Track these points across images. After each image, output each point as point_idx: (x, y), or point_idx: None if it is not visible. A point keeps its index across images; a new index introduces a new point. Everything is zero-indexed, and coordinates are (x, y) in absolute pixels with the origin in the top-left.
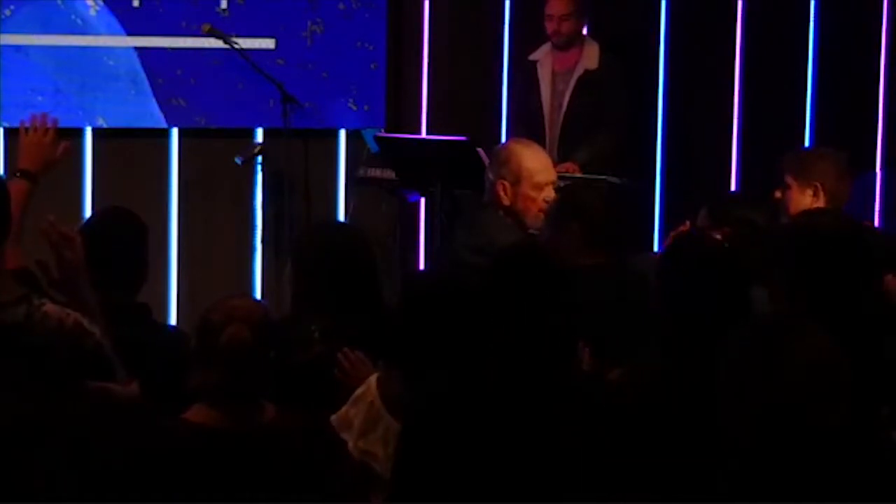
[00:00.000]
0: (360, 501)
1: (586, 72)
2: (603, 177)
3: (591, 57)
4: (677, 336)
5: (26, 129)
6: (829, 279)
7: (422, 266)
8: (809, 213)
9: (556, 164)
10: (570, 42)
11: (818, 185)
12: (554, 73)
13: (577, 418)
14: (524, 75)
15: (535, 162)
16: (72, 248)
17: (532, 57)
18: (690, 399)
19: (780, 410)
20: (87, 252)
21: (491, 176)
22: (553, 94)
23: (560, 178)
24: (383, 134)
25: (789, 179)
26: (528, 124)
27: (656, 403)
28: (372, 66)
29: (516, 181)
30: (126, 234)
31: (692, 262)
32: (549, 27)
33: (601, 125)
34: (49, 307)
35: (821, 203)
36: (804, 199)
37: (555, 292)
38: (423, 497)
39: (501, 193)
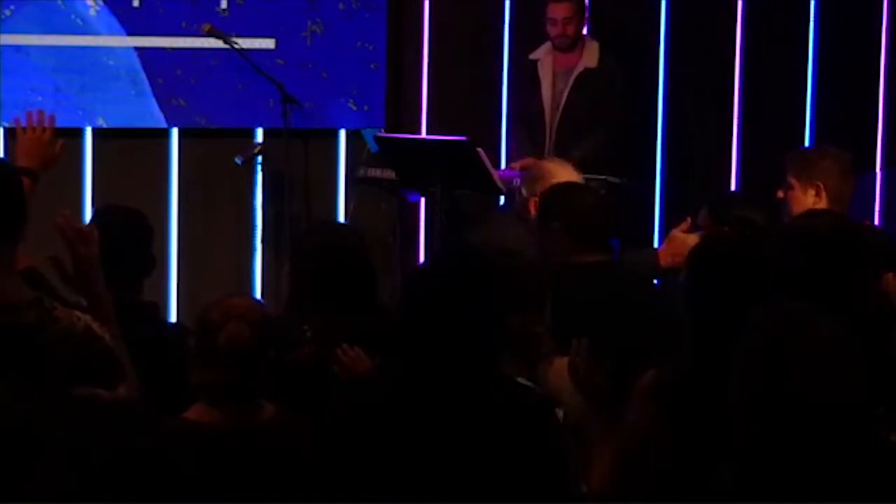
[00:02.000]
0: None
1: (586, 70)
2: (603, 177)
3: (591, 56)
4: (706, 338)
5: (23, 128)
6: (830, 279)
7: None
8: (809, 214)
9: None
10: (575, 43)
11: (820, 184)
12: (555, 73)
13: (499, 421)
14: (525, 75)
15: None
16: (87, 244)
17: (532, 56)
18: (718, 401)
19: (791, 401)
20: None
21: (524, 192)
22: (553, 94)
23: None
24: (383, 134)
25: (792, 179)
26: (529, 124)
27: (681, 405)
28: (372, 66)
29: None
30: (133, 232)
31: (726, 263)
32: (554, 31)
33: (597, 125)
34: (59, 311)
35: (823, 203)
36: (806, 199)
37: (483, 292)
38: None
39: (533, 210)
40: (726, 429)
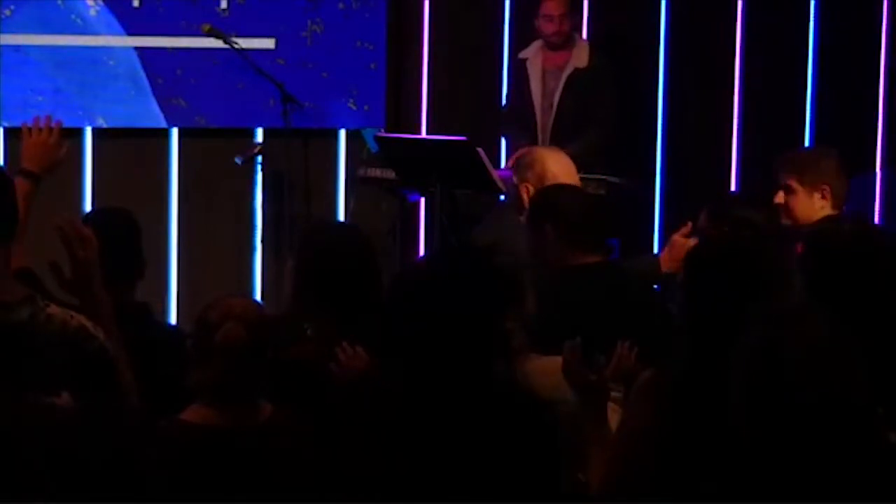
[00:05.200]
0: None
1: (576, 70)
2: (603, 177)
3: (580, 56)
4: (704, 339)
5: (29, 130)
6: (854, 285)
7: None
8: (831, 219)
9: None
10: (568, 40)
11: (826, 187)
12: (544, 71)
13: (500, 419)
14: (514, 73)
15: (559, 167)
16: (86, 248)
17: (522, 55)
18: (714, 403)
19: (790, 401)
20: None
21: (515, 179)
22: (543, 93)
23: None
24: (383, 134)
25: (793, 183)
26: (519, 123)
27: (677, 408)
28: (372, 66)
29: (540, 185)
30: (119, 232)
31: (723, 264)
32: (549, 28)
33: (591, 123)
34: (53, 309)
35: (828, 204)
36: (812, 203)
37: (484, 290)
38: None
39: (525, 197)
40: (724, 428)
